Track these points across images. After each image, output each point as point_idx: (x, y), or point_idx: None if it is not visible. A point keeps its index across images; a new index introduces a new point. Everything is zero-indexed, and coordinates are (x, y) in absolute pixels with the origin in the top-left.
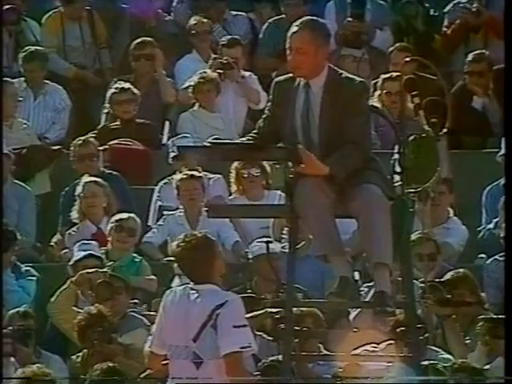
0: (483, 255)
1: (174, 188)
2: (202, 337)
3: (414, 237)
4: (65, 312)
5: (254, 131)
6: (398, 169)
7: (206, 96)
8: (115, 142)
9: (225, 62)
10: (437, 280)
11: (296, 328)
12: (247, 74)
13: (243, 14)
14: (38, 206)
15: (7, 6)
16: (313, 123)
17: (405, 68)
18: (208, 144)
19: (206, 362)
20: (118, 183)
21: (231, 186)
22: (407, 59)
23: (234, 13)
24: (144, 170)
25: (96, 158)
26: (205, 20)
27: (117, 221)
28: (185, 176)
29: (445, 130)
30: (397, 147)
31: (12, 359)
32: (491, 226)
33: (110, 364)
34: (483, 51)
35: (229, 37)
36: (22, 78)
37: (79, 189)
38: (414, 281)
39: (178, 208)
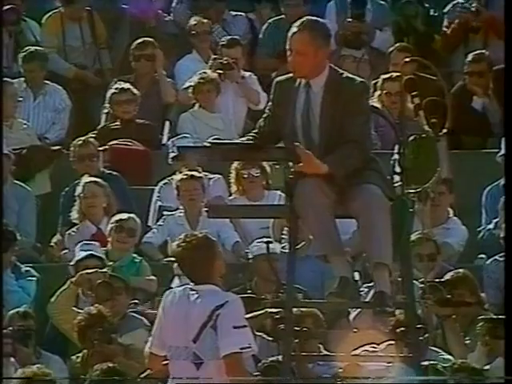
0: (483, 255)
1: (174, 188)
2: (202, 337)
3: (413, 237)
4: (65, 312)
5: (255, 131)
6: (397, 169)
7: (205, 96)
8: (115, 142)
9: (225, 62)
10: (437, 280)
11: (296, 328)
12: (247, 74)
13: (243, 14)
14: (38, 207)
15: (7, 7)
16: (313, 123)
17: (405, 68)
18: (208, 144)
19: (206, 363)
20: (118, 183)
21: (231, 187)
22: (407, 59)
23: (234, 13)
24: (144, 171)
25: (96, 159)
26: (205, 20)
27: (117, 221)
28: (185, 176)
29: (445, 131)
30: (397, 147)
31: (12, 359)
32: (491, 226)
33: (110, 364)
34: (483, 51)
35: (228, 37)
36: (22, 79)
37: (79, 189)
38: (414, 281)
39: (177, 208)
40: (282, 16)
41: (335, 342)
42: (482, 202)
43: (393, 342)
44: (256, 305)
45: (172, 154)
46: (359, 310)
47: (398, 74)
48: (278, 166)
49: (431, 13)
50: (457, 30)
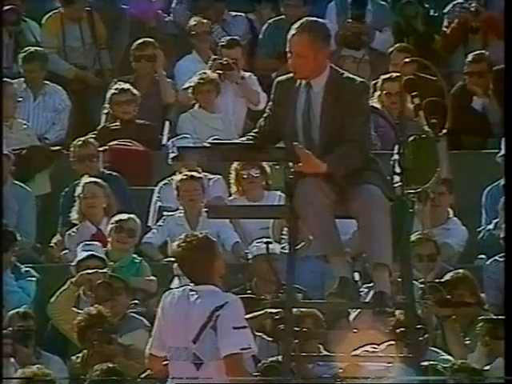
0: (483, 256)
1: (174, 189)
2: (202, 338)
3: (413, 237)
4: (65, 313)
5: (255, 131)
6: (397, 169)
7: (205, 97)
8: (115, 142)
9: (224, 62)
10: (437, 281)
11: (296, 329)
12: (247, 74)
13: (243, 14)
14: (37, 207)
15: (7, 7)
16: (314, 123)
17: (405, 69)
18: (208, 145)
19: (205, 364)
20: (118, 184)
21: (231, 187)
22: (407, 60)
23: (234, 13)
24: (144, 171)
25: (96, 159)
26: (204, 21)
27: (117, 221)
28: (185, 177)
29: (445, 131)
30: (397, 148)
31: (12, 360)
32: (491, 226)
33: (110, 365)
34: (483, 51)
35: (228, 37)
36: (22, 79)
37: (79, 189)
38: (414, 281)
39: (177, 209)
40: (282, 16)
41: (335, 343)
42: (481, 202)
43: (393, 343)
44: (256, 305)
45: (172, 155)
46: (359, 310)
47: (397, 74)
48: (277, 166)
49: (431, 13)
50: (457, 30)
